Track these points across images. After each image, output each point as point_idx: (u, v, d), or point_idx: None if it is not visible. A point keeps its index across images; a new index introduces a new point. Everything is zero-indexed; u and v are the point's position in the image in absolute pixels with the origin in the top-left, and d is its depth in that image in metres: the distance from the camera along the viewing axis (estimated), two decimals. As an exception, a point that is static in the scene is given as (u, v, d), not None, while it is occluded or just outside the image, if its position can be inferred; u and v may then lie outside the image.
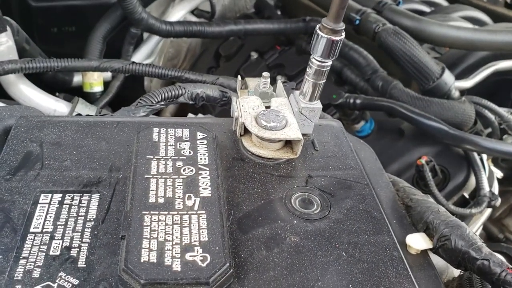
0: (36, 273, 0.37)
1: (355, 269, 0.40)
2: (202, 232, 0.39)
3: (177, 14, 1.24)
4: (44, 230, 0.40)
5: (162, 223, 0.39)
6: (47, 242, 0.39)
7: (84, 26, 1.23)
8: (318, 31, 0.45)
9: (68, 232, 0.40)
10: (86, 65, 0.76)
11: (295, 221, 0.44)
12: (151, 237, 0.38)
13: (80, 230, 0.41)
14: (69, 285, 0.37)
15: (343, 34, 0.45)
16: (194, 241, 0.39)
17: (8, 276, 0.37)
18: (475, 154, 0.91)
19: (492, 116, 0.96)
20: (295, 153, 0.51)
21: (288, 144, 0.52)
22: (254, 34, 1.27)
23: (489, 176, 0.93)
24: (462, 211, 0.88)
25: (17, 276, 0.37)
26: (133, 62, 0.77)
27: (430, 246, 0.50)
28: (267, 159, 0.51)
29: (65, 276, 0.37)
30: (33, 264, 0.38)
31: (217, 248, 0.38)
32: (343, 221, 0.45)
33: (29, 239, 0.39)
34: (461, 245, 0.48)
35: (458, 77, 1.04)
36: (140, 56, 1.21)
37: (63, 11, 1.23)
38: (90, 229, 0.41)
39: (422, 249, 0.48)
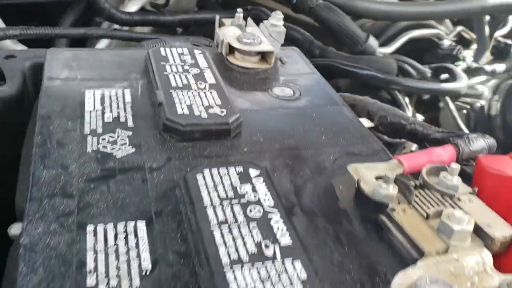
0: (99, 130, 0.51)
1: (319, 122, 0.57)
2: (216, 100, 0.55)
3: (134, 6, 1.38)
4: (96, 109, 0.54)
5: (185, 95, 0.54)
6: (101, 118, 0.53)
7: (47, 23, 1.34)
8: None
9: (115, 109, 0.54)
10: (75, 32, 0.89)
11: (279, 101, 0.61)
12: (181, 102, 0.53)
13: (122, 107, 0.55)
14: (125, 135, 0.50)
15: None
16: (212, 104, 0.54)
17: (79, 132, 0.50)
18: (400, 97, 1.12)
19: (411, 69, 1.18)
20: (269, 63, 0.67)
21: (263, 58, 0.68)
22: (202, 23, 1.43)
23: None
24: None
25: (86, 132, 0.50)
26: (115, 29, 0.91)
27: (372, 125, 0.68)
28: (249, 69, 0.67)
29: (121, 131, 0.51)
30: (95, 125, 0.51)
31: (229, 106, 0.54)
32: (311, 100, 0.62)
33: (87, 115, 0.53)
34: (395, 119, 0.66)
35: (381, 45, 1.26)
36: (103, 44, 1.33)
37: (27, 7, 1.33)
38: (130, 107, 0.55)
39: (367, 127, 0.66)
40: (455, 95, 1.16)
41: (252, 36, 0.67)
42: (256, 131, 0.55)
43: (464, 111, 1.34)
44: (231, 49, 0.68)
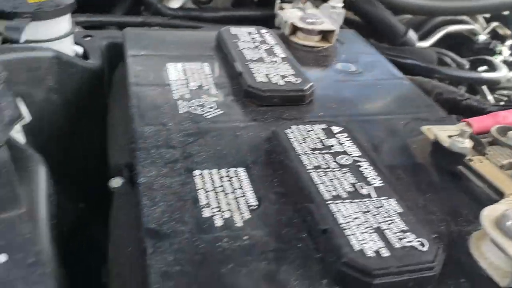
0: (187, 96, 0.55)
1: (385, 93, 0.61)
2: (289, 71, 0.59)
3: (177, 3, 1.43)
4: (180, 79, 0.58)
5: (261, 67, 0.59)
6: (186, 87, 0.57)
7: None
8: None
9: (197, 79, 0.59)
10: (134, 20, 0.95)
11: (344, 75, 0.65)
12: (258, 72, 0.58)
13: (204, 78, 0.59)
14: (211, 100, 0.55)
15: None
16: (287, 74, 0.58)
17: (169, 97, 0.54)
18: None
19: (450, 61, 1.21)
20: (330, 42, 0.72)
21: (324, 38, 0.73)
22: (242, 19, 1.49)
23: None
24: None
25: (175, 97, 0.55)
26: (171, 18, 0.97)
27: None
28: (312, 47, 0.71)
29: (206, 97, 0.55)
30: (182, 92, 0.56)
31: (302, 76, 0.58)
32: (373, 74, 0.66)
33: (173, 84, 0.57)
34: (450, 95, 0.70)
35: (419, 39, 1.29)
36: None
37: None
38: (210, 78, 0.59)
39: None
40: (495, 84, 1.18)
41: (314, 17, 0.71)
42: (327, 99, 0.58)
43: (502, 103, 1.36)
44: (294, 30, 0.72)
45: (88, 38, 0.70)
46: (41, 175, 0.38)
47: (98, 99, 0.61)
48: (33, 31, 0.56)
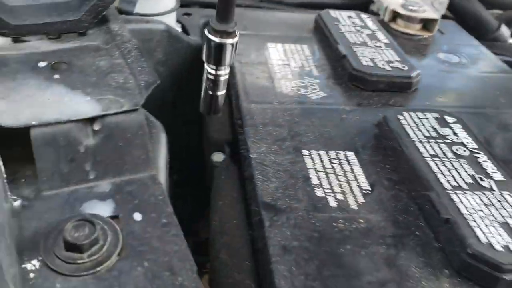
0: (289, 76, 0.55)
1: (492, 86, 0.58)
2: (394, 57, 0.57)
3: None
4: (281, 59, 0.58)
5: (365, 51, 0.57)
6: (288, 67, 0.57)
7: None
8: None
9: (298, 61, 0.58)
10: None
11: (447, 66, 0.62)
12: (363, 55, 0.56)
13: (304, 59, 0.58)
14: (314, 82, 0.54)
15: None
16: (393, 60, 0.56)
17: (271, 77, 0.54)
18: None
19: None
20: (431, 31, 0.69)
21: (424, 26, 0.70)
22: (320, 6, 1.46)
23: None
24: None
25: (276, 78, 0.54)
26: (261, 1, 0.97)
27: None
28: (412, 35, 0.68)
29: (308, 79, 0.55)
30: (284, 72, 0.55)
31: (408, 63, 0.56)
32: (478, 67, 0.63)
33: (275, 63, 0.57)
34: None
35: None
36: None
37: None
38: (311, 60, 0.58)
39: None
40: None
41: (416, 4, 0.69)
42: (432, 89, 0.56)
43: None
44: (394, 17, 0.70)
45: (187, 16, 0.71)
46: (163, 141, 0.38)
47: (199, 75, 0.62)
48: (143, 5, 0.58)
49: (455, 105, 0.54)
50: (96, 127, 0.32)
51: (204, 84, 0.42)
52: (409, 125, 0.45)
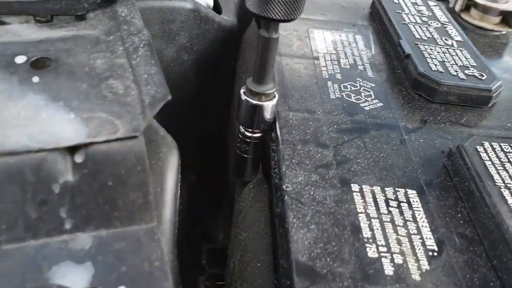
0: (338, 76, 0.44)
1: None
2: (469, 60, 0.46)
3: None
4: (329, 52, 0.48)
5: (434, 50, 0.46)
6: (337, 64, 0.46)
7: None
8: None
9: (350, 56, 0.48)
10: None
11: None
12: (431, 57, 0.45)
13: (358, 55, 0.48)
14: (368, 86, 0.44)
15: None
16: (467, 65, 0.45)
17: (317, 75, 0.44)
18: None
19: None
20: (512, 27, 0.57)
21: (505, 20, 0.58)
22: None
23: None
24: None
25: (324, 76, 0.44)
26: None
27: None
28: (488, 30, 0.57)
29: (362, 81, 0.44)
30: (332, 70, 0.45)
31: (487, 70, 0.45)
32: None
33: (321, 58, 0.47)
34: None
35: None
36: None
37: None
38: (365, 56, 0.48)
39: None
40: None
41: (497, -8, 0.57)
42: (514, 105, 0.45)
43: None
44: (467, 6, 0.58)
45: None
46: (173, 166, 0.30)
47: (228, 61, 0.52)
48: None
49: (543, 129, 0.43)
50: (78, 159, 0.23)
51: (237, 146, 0.40)
52: (491, 161, 0.35)
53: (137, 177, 0.24)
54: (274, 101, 0.37)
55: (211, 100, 0.51)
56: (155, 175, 0.29)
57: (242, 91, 0.37)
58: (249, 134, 0.39)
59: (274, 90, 0.37)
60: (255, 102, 0.36)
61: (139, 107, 0.25)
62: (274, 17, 0.32)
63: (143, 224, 0.24)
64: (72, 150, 0.23)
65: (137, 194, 0.24)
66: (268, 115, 0.37)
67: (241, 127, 0.39)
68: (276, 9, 0.31)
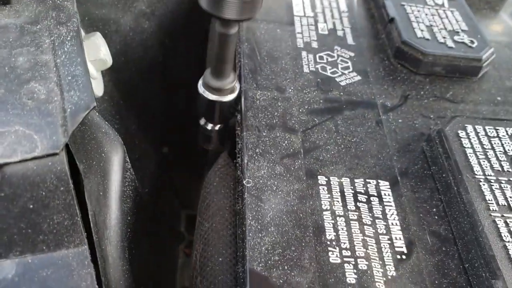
0: (314, 44, 0.41)
1: None
2: (460, 24, 0.42)
3: None
4: (307, 15, 0.43)
5: (421, 12, 0.42)
6: (314, 29, 0.42)
7: None
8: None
9: (329, 19, 0.43)
10: None
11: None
12: (418, 21, 0.41)
13: (338, 17, 0.43)
14: (346, 56, 0.40)
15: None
16: (457, 29, 0.41)
17: (291, 44, 0.40)
18: None
19: None
20: (514, -22, 0.51)
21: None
22: None
23: None
24: None
25: (299, 45, 0.40)
26: None
27: None
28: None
29: (340, 50, 0.40)
30: (308, 37, 0.41)
31: (479, 35, 0.41)
32: None
33: (297, 22, 0.43)
34: None
35: None
36: None
37: None
38: (347, 19, 0.44)
39: None
40: None
41: None
42: (505, 74, 0.41)
43: None
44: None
45: None
46: (117, 165, 0.27)
47: (199, 25, 0.48)
48: None
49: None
50: (-7, 180, 0.21)
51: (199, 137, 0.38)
52: (472, 148, 0.32)
53: (61, 198, 0.22)
54: (235, 93, 0.34)
55: (180, 69, 0.47)
56: (97, 177, 0.26)
57: (200, 82, 0.34)
58: (210, 127, 0.36)
59: (234, 82, 0.34)
60: (214, 97, 0.33)
61: (61, 118, 0.22)
62: (229, 18, 0.28)
63: (72, 247, 0.22)
64: (-15, 170, 0.21)
65: (63, 216, 0.22)
66: (229, 108, 0.35)
67: (201, 120, 0.36)
68: (230, 9, 0.27)
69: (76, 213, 0.22)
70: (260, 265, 0.27)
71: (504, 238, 0.27)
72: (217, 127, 0.36)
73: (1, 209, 0.21)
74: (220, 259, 0.31)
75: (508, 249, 0.27)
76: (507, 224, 0.28)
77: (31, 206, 0.21)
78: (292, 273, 0.26)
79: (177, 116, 0.49)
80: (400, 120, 0.36)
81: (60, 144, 0.21)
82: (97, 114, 0.28)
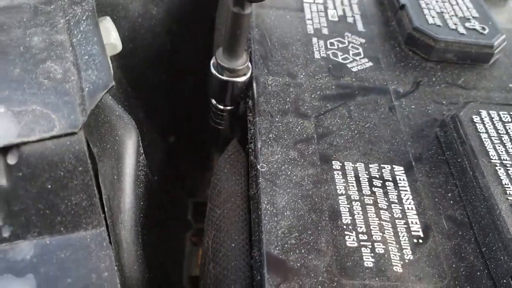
0: (324, 31, 0.40)
1: None
2: (471, 11, 0.42)
3: None
4: (316, 1, 0.43)
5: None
6: (324, 15, 0.42)
7: None
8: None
9: (339, 5, 0.43)
10: None
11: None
12: (429, 7, 0.41)
13: (348, 4, 0.43)
14: (357, 42, 0.40)
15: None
16: (469, 16, 0.41)
17: (301, 30, 0.40)
18: None
19: None
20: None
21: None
22: None
23: None
24: None
25: (309, 31, 0.40)
26: None
27: None
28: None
29: (351, 36, 0.40)
30: (319, 23, 0.41)
31: (490, 22, 0.40)
32: None
33: (306, 8, 0.42)
34: None
35: None
36: None
37: None
38: (356, 5, 0.43)
39: None
40: None
41: None
42: (517, 60, 0.41)
43: None
44: None
45: None
46: (131, 148, 0.27)
47: (206, 12, 0.47)
48: None
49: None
50: (11, 160, 0.20)
51: (210, 117, 0.38)
52: (487, 133, 0.32)
53: (79, 179, 0.21)
54: (248, 74, 0.34)
55: (187, 56, 0.47)
56: (111, 160, 0.26)
57: (212, 62, 0.34)
58: (222, 107, 0.35)
59: (246, 64, 0.34)
60: (225, 78, 0.33)
61: (79, 97, 0.21)
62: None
63: (90, 229, 0.22)
64: (3, 150, 0.20)
65: (81, 196, 0.21)
66: (241, 90, 0.34)
67: (212, 100, 0.35)
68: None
69: (94, 194, 0.22)
70: (277, 248, 0.26)
71: (522, 221, 0.27)
72: (229, 107, 0.36)
73: (19, 189, 0.21)
74: (233, 244, 0.31)
75: (526, 231, 0.27)
76: (525, 208, 0.28)
77: (49, 187, 0.21)
78: (310, 257, 0.26)
79: (184, 105, 0.49)
80: (413, 106, 0.35)
81: (79, 123, 0.21)
82: (110, 97, 0.28)
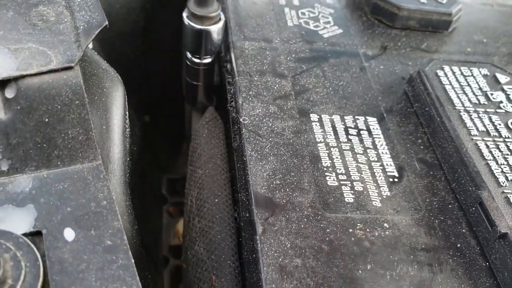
0: (296, 2, 0.42)
1: None
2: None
3: None
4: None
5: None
6: None
7: None
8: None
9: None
10: None
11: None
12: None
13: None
14: (327, 12, 0.42)
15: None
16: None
17: (273, 1, 0.42)
18: None
19: None
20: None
21: None
22: None
23: None
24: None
25: (281, 2, 0.42)
26: None
27: None
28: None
29: (320, 7, 0.42)
30: (290, -4, 0.43)
31: None
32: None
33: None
34: None
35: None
36: None
37: None
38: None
39: None
40: None
41: None
42: (473, 29, 0.44)
43: None
44: None
45: None
46: (118, 100, 0.27)
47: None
48: None
49: (502, 52, 0.42)
50: (9, 94, 0.21)
51: (186, 74, 0.39)
52: (451, 85, 0.34)
53: (76, 113, 0.22)
54: (221, 23, 0.35)
55: (161, 34, 0.48)
56: (99, 111, 0.26)
57: (185, 14, 0.35)
58: (197, 61, 0.37)
59: (219, 11, 0.35)
60: (199, 26, 0.34)
61: (73, 35, 0.22)
62: None
63: (86, 162, 0.22)
64: (2, 84, 0.21)
65: (77, 130, 0.22)
66: (215, 39, 0.35)
67: (188, 53, 0.37)
68: None
69: (90, 128, 0.22)
70: (264, 188, 0.28)
71: (485, 157, 0.29)
72: (205, 61, 0.37)
73: (17, 123, 0.21)
74: (216, 200, 0.32)
75: (490, 166, 0.29)
76: (487, 146, 0.30)
77: (47, 120, 0.21)
78: (294, 194, 0.28)
79: (159, 84, 0.50)
80: (381, 67, 0.38)
81: (75, 58, 0.22)
82: (95, 52, 0.28)
